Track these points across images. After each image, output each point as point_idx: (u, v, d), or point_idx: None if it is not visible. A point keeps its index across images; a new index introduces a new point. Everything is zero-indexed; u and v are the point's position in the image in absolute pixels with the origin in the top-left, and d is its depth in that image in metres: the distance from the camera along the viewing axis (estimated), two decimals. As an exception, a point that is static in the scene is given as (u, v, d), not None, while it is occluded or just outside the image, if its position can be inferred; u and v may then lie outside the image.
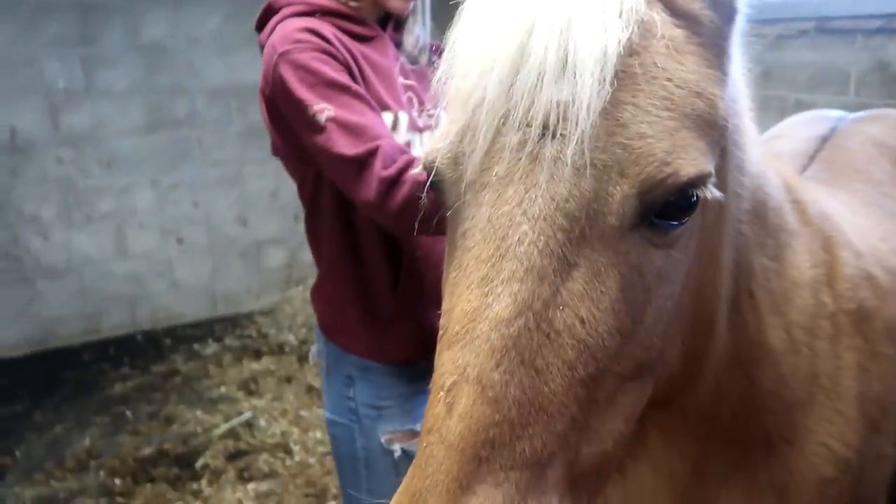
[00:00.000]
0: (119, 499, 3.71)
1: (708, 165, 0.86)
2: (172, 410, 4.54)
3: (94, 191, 5.48)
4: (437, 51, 1.91)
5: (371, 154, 1.50)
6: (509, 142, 0.84)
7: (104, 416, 4.51)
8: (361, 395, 1.81)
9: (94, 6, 5.23)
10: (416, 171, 1.42)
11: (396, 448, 1.78)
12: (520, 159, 0.83)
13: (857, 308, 1.32)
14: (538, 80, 0.83)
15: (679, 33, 0.89)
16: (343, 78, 1.58)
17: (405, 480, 0.79)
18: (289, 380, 4.85)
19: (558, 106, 0.82)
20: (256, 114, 1.72)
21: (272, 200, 6.08)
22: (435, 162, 0.94)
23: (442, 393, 0.78)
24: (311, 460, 3.94)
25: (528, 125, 0.83)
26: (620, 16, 0.84)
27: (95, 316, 5.62)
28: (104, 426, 4.41)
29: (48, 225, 5.37)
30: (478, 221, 0.85)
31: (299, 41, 1.59)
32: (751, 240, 1.15)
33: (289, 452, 4.05)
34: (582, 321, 0.80)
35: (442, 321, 0.86)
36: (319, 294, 1.90)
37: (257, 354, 5.25)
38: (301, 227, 1.90)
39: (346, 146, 1.51)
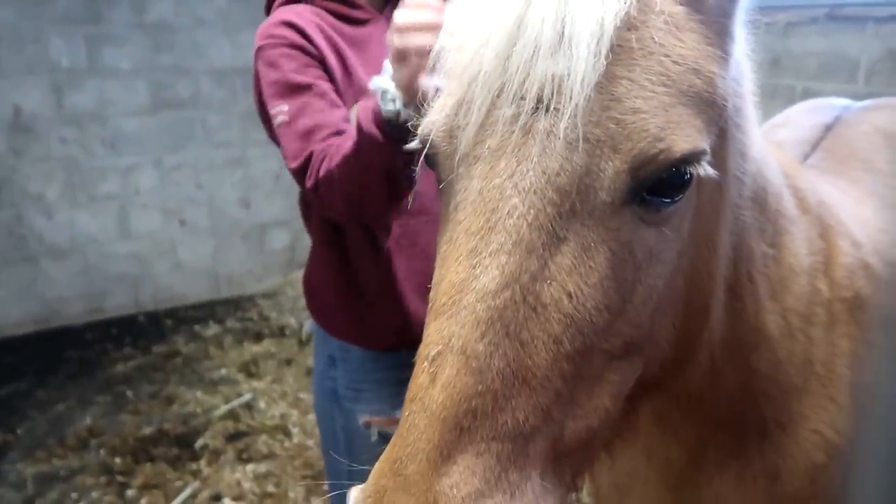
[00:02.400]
0: (119, 477, 3.74)
1: (703, 143, 0.85)
2: (173, 391, 4.57)
3: (97, 171, 5.48)
4: None
5: (307, 161, 1.52)
6: (503, 115, 0.83)
7: (106, 396, 4.54)
8: (341, 377, 1.83)
9: (101, -16, 5.21)
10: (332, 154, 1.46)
11: (373, 431, 1.79)
12: (513, 132, 0.82)
13: (853, 297, 1.31)
14: (534, 52, 0.82)
15: (679, 10, 0.87)
16: (306, 77, 1.58)
17: (387, 448, 0.79)
18: (289, 362, 4.87)
19: (553, 79, 0.81)
20: (261, 95, 1.75)
21: (276, 182, 6.07)
22: (430, 135, 0.93)
23: (426, 363, 0.78)
24: (310, 442, 3.96)
25: (523, 98, 0.82)
26: None
27: (98, 296, 5.65)
28: (105, 405, 4.44)
29: (52, 204, 5.38)
30: (469, 194, 0.84)
31: (272, 36, 1.62)
32: (751, 225, 1.14)
33: (287, 434, 4.07)
34: (569, 296, 0.80)
35: (431, 294, 0.86)
36: (308, 275, 1.93)
37: (258, 337, 5.27)
38: (305, 210, 1.93)
39: (291, 157, 1.54)
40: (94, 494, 3.62)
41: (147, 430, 4.12)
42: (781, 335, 1.21)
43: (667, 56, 0.84)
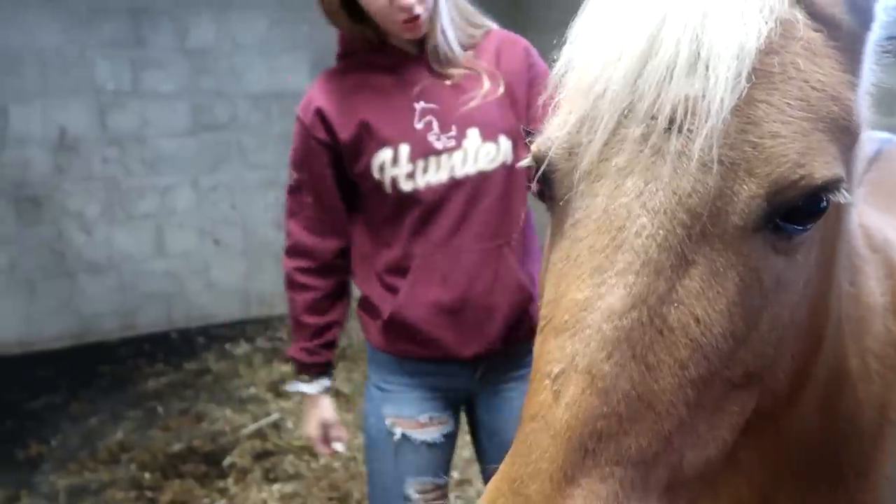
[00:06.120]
0: (148, 492, 3.77)
1: (840, 170, 0.83)
2: (203, 408, 4.61)
3: (136, 190, 5.62)
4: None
5: (288, 248, 2.17)
6: (631, 133, 0.82)
7: (137, 411, 4.60)
8: (373, 375, 1.97)
9: (146, 10, 5.38)
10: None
11: (397, 431, 1.88)
12: (641, 151, 0.81)
13: None
14: (667, 73, 0.80)
15: (817, 36, 0.86)
16: (302, 172, 2.00)
17: (502, 467, 0.76)
18: (317, 383, 4.89)
19: (687, 100, 0.79)
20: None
21: (308, 205, 6.15)
22: (548, 152, 0.91)
23: (548, 381, 0.75)
24: (336, 464, 3.96)
25: (654, 118, 0.81)
26: (761, 12, 0.81)
27: (132, 312, 5.75)
28: (137, 420, 4.50)
29: (91, 222, 5.51)
30: (592, 212, 0.82)
31: (301, 114, 1.90)
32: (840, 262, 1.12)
33: (314, 455, 4.06)
34: (697, 320, 0.78)
35: (545, 311, 0.83)
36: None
37: (287, 356, 5.30)
38: (335, 232, 2.05)
39: (288, 219, 2.16)
40: (124, 509, 3.66)
41: (176, 447, 4.16)
42: (860, 377, 1.17)
43: (806, 82, 0.82)
